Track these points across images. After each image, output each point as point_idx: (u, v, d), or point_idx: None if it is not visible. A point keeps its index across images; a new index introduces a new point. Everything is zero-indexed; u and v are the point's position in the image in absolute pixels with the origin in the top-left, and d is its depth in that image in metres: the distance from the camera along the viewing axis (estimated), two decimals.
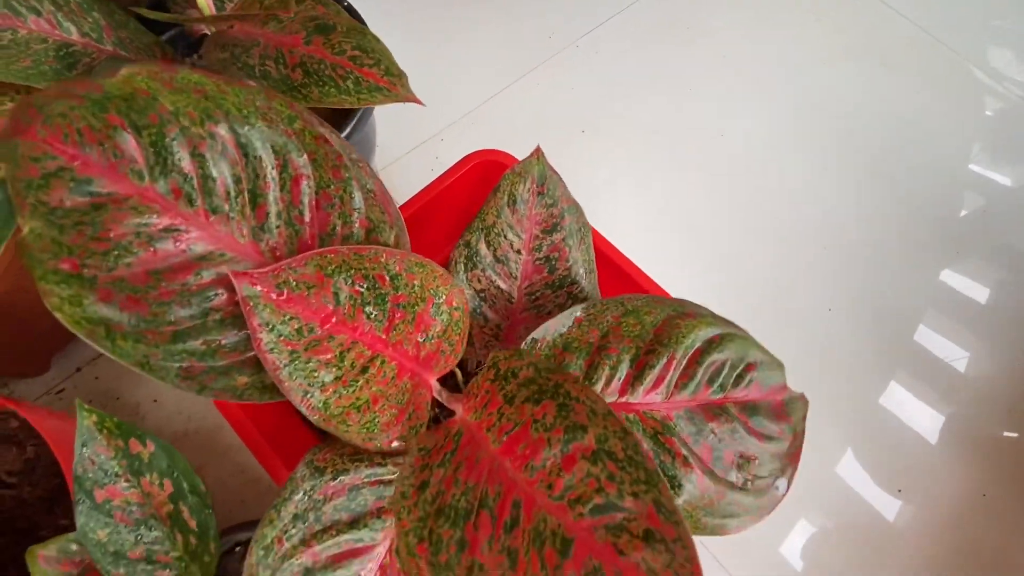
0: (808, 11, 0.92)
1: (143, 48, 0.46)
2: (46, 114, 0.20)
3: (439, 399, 0.32)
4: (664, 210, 0.75)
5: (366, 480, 0.31)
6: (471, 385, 0.30)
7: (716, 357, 0.30)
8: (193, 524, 0.33)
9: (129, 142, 0.22)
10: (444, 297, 0.31)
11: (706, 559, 0.60)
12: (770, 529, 0.62)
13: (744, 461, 0.28)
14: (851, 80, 0.86)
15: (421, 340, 0.31)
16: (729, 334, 0.31)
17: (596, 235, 0.43)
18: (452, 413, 0.30)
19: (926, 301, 0.74)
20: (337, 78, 0.35)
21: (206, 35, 0.50)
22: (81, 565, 0.35)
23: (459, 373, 0.35)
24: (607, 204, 0.74)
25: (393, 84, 0.36)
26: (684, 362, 0.30)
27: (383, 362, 0.29)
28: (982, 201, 0.80)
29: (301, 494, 0.29)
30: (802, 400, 0.32)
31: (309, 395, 0.25)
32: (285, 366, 0.24)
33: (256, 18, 0.31)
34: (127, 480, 0.31)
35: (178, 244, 0.23)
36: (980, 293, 0.75)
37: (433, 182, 0.45)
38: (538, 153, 0.36)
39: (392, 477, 0.32)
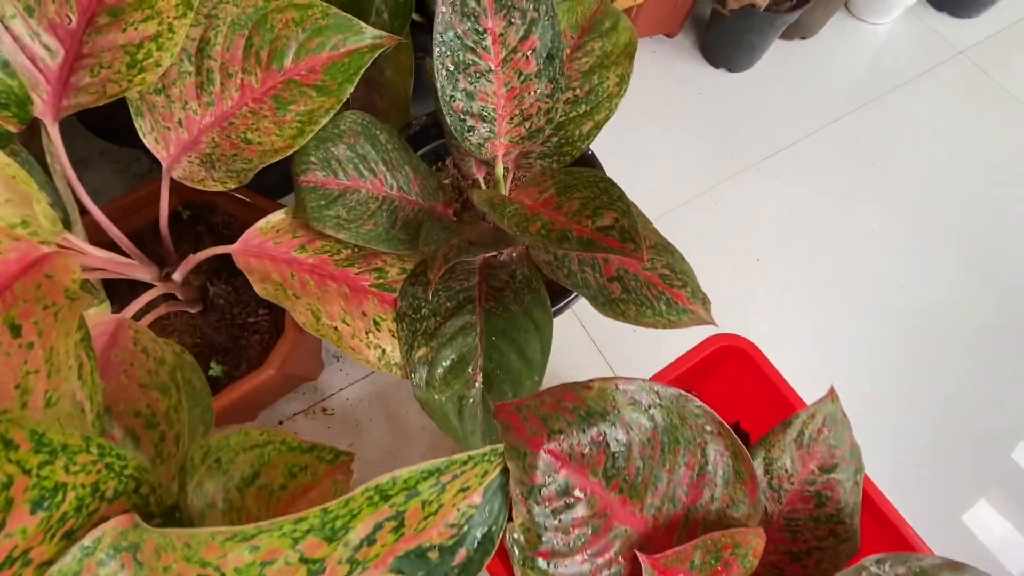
0: (1001, 163, 0.91)
1: (432, 192, 0.51)
2: (549, 428, 0.24)
3: None
4: (832, 347, 0.75)
5: None
6: None
7: None
8: None
9: (600, 450, 0.25)
10: (752, 551, 0.33)
11: None
12: None
13: None
14: None
15: None
16: None
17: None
18: None
19: None
20: (652, 297, 0.39)
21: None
22: None
23: None
24: (778, 333, 0.75)
25: (697, 308, 0.39)
26: None
27: None
28: None
29: None
30: None
31: None
32: None
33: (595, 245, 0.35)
34: None
35: (607, 526, 0.26)
36: None
37: (676, 361, 0.48)
38: (832, 395, 0.38)
39: None
